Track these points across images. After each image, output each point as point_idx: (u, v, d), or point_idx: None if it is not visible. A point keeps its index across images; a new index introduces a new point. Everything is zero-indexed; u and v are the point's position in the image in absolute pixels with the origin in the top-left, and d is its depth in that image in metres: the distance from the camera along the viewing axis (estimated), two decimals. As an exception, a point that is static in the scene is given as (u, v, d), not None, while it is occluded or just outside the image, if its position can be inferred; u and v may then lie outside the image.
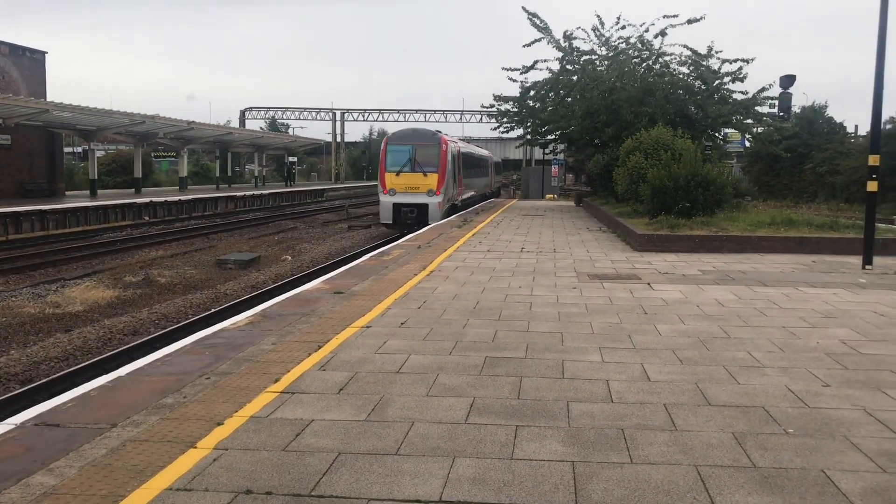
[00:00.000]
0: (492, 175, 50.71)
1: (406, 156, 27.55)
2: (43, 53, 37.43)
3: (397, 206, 27.05)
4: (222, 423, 4.94)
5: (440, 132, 30.60)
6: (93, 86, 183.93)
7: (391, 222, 27.47)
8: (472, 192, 37.47)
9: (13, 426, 4.92)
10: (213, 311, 13.63)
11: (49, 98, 34.23)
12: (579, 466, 4.28)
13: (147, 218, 32.15)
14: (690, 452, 4.49)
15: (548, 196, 45.22)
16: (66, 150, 51.98)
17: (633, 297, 9.80)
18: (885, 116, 34.08)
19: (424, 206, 26.89)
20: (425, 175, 27.27)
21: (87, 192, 37.43)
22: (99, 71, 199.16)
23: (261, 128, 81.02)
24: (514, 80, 30.15)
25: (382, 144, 29.27)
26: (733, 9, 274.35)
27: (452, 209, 30.14)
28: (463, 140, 43.51)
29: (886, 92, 12.44)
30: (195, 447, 4.53)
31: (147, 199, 33.38)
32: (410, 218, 26.77)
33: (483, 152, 47.91)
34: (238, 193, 43.13)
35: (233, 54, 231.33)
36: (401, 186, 27.12)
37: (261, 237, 28.46)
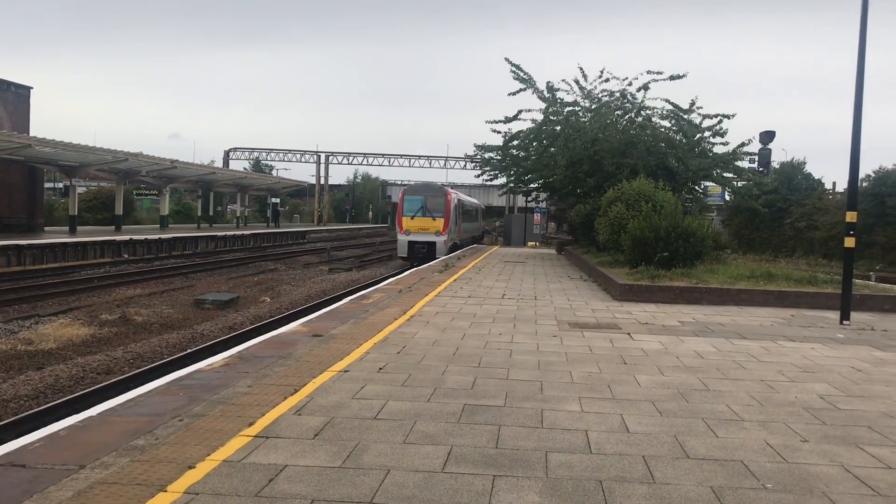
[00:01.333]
0: (480, 221, 58.32)
1: (419, 204, 34.44)
2: (28, 89, 37.41)
3: (411, 244, 33.89)
4: (194, 467, 4.83)
5: (446, 186, 37.71)
6: (76, 122, 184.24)
7: (406, 256, 34.17)
8: (467, 235, 44.38)
9: (-23, 466, 4.79)
10: (188, 351, 13.47)
11: (32, 133, 34.14)
12: (557, 519, 4.22)
13: (126, 256, 31.87)
14: (669, 506, 4.44)
15: (530, 243, 45.47)
16: (47, 185, 51.68)
17: (613, 347, 9.80)
18: (861, 174, 34.55)
19: (433, 244, 33.66)
20: (434, 219, 34.08)
21: (67, 227, 37.13)
22: (83, 107, 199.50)
23: (245, 168, 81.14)
24: (498, 132, 30.77)
25: (400, 195, 36.13)
26: (715, 66, 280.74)
27: (454, 247, 36.36)
28: (450, 185, 47.26)
29: (862, 149, 12.67)
30: (165, 491, 4.43)
31: (127, 237, 33.14)
32: (422, 253, 33.23)
33: (474, 201, 54.62)
34: (219, 233, 42.94)
35: (219, 95, 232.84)
36: (414, 228, 34.00)
37: (240, 278, 28.30)
